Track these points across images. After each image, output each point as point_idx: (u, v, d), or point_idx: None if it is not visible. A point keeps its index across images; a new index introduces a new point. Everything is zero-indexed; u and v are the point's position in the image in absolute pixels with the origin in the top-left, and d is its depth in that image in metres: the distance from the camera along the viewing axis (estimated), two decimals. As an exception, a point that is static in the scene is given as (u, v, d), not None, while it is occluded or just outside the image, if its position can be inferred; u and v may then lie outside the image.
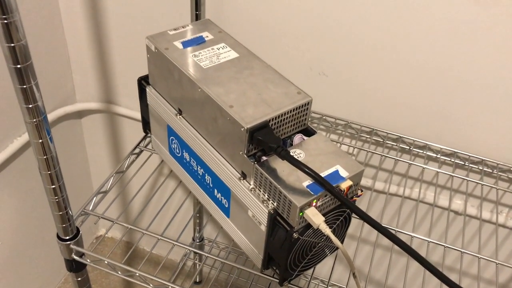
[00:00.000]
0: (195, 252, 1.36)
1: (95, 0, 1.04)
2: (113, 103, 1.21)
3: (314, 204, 0.56)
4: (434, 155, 0.92)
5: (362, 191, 0.62)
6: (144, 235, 0.73)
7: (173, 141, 0.75)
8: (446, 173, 0.89)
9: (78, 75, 1.18)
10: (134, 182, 1.27)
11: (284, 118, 0.60)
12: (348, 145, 0.94)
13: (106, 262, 0.68)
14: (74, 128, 1.27)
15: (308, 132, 0.64)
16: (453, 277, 1.10)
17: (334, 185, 0.56)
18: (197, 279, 1.46)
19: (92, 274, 1.45)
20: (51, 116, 1.15)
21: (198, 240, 1.34)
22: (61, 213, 0.64)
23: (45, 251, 1.29)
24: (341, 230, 0.64)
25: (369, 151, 0.92)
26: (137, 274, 0.67)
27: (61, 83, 1.16)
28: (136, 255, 1.55)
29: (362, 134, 0.96)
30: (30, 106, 0.53)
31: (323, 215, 0.58)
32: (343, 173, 0.58)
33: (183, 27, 0.73)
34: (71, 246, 0.68)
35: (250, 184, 0.61)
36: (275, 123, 0.60)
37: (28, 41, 1.00)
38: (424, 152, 0.93)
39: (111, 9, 1.04)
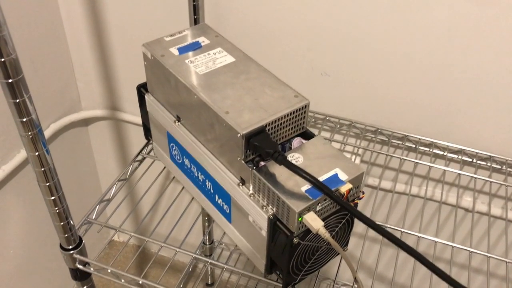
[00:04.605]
0: (204, 257, 1.36)
1: (96, 7, 1.04)
2: (118, 109, 1.21)
3: (313, 208, 0.55)
4: (441, 152, 0.91)
5: (363, 193, 0.61)
6: (148, 241, 0.73)
7: (174, 148, 0.75)
8: (453, 171, 0.88)
9: (82, 83, 1.18)
10: (142, 189, 1.28)
11: (281, 123, 0.60)
12: (353, 146, 0.93)
13: (109, 270, 0.68)
14: (81, 135, 1.28)
15: (307, 135, 0.63)
16: (464, 276, 1.08)
17: (333, 189, 0.55)
18: (209, 281, 1.46)
19: (104, 279, 1.46)
20: (57, 125, 1.15)
21: (208, 243, 1.34)
22: (62, 223, 0.64)
23: (56, 259, 1.30)
24: (344, 234, 0.64)
25: (374, 151, 0.91)
26: (140, 282, 0.67)
27: (66, 91, 1.17)
28: (149, 258, 1.55)
29: (366, 134, 0.94)
30: (24, 119, 0.53)
31: (324, 219, 0.57)
32: (343, 176, 0.57)
33: (179, 32, 0.72)
34: (74, 255, 0.68)
35: (249, 190, 0.60)
36: (272, 128, 0.59)
37: (31, 52, 1.02)
38: (431, 150, 0.91)
39: (112, 16, 1.04)
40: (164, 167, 0.85)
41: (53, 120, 1.15)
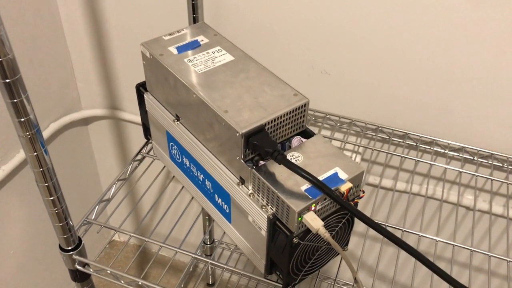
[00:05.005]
0: (204, 256, 1.36)
1: (95, 7, 1.04)
2: (118, 109, 1.21)
3: (313, 208, 0.55)
4: (442, 150, 0.90)
5: (363, 192, 0.61)
6: (147, 242, 0.73)
7: (173, 147, 0.75)
8: (454, 169, 0.87)
9: (82, 82, 1.18)
10: (143, 188, 1.28)
11: (281, 121, 0.59)
12: (354, 144, 0.92)
13: (109, 271, 0.68)
14: (81, 135, 1.28)
15: (307, 134, 0.63)
16: (466, 275, 1.08)
17: (333, 188, 0.55)
18: (210, 281, 1.45)
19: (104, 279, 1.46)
20: (57, 124, 1.15)
21: (208, 242, 1.34)
22: (61, 224, 0.64)
23: (56, 259, 1.29)
24: (344, 233, 0.63)
25: (375, 149, 0.91)
26: (140, 283, 0.66)
27: (66, 91, 1.17)
28: (150, 258, 1.55)
29: (367, 132, 0.94)
30: (22, 119, 0.52)
31: (324, 218, 0.57)
32: (343, 175, 0.57)
33: (178, 31, 0.72)
34: (74, 256, 0.68)
35: (249, 189, 0.60)
36: (271, 127, 0.59)
37: (31, 51, 1.02)
38: (432, 148, 0.91)
39: (111, 16, 1.04)
40: (164, 166, 0.85)
41: (53, 120, 1.15)
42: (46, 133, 1.13)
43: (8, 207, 1.08)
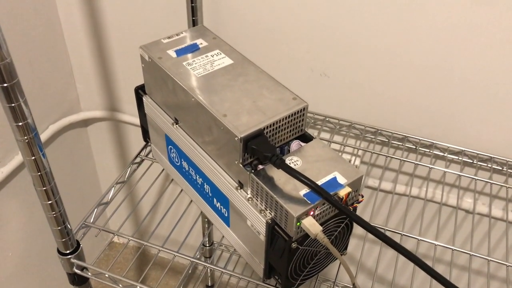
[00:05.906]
0: (204, 258, 1.35)
1: (94, 9, 1.03)
2: (117, 110, 1.21)
3: (311, 213, 0.55)
4: (441, 153, 0.90)
5: (362, 197, 0.61)
6: (146, 245, 0.73)
7: (172, 150, 0.75)
8: (453, 173, 0.87)
9: (81, 84, 1.18)
10: (142, 190, 1.27)
11: (280, 125, 0.59)
12: (353, 147, 0.92)
13: (107, 275, 0.68)
14: (81, 136, 1.28)
15: (306, 138, 0.63)
16: (465, 278, 1.08)
17: (332, 193, 0.55)
18: (209, 283, 1.45)
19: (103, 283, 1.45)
20: (56, 126, 1.15)
21: (208, 244, 1.34)
22: (59, 227, 0.64)
23: (55, 261, 1.29)
24: (343, 238, 0.63)
25: (374, 152, 0.90)
26: (138, 287, 0.66)
27: (65, 92, 1.17)
28: (149, 259, 1.55)
29: (366, 135, 0.94)
30: (20, 124, 0.52)
31: (323, 223, 0.57)
32: (341, 180, 0.57)
33: (177, 34, 0.72)
34: (72, 260, 0.68)
35: (247, 194, 0.60)
36: (270, 131, 0.58)
37: (30, 53, 1.02)
38: (431, 151, 0.91)
39: (110, 17, 1.03)
40: (163, 169, 0.85)
41: (52, 121, 1.15)
42: (45, 135, 1.12)
43: (7, 209, 1.08)
